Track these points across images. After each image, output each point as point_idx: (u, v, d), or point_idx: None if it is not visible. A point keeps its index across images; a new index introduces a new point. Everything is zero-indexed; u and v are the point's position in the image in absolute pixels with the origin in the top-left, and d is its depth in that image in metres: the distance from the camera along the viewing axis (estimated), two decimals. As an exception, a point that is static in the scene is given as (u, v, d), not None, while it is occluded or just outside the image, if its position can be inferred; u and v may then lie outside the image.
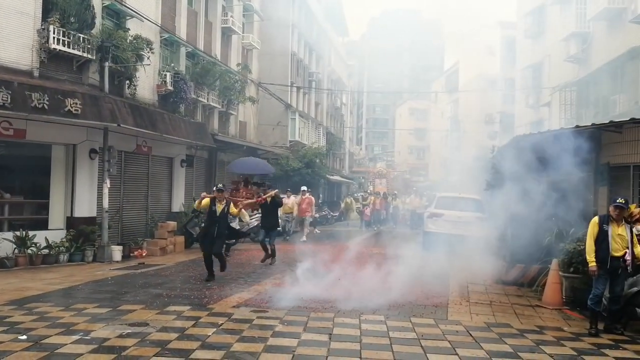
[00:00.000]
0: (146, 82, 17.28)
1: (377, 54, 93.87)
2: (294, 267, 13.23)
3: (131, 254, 15.16)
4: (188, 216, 17.79)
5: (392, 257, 14.54)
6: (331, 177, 40.46)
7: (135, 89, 16.35)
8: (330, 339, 6.76)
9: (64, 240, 13.80)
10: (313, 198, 25.07)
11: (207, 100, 21.48)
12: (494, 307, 9.25)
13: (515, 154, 10.92)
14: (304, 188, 21.43)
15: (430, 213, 17.75)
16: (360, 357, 6.05)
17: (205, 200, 11.11)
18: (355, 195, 40.89)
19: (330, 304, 8.83)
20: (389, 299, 9.16)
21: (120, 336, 6.56)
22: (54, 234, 13.88)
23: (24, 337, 6.46)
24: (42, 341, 6.30)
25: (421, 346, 6.60)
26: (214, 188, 11.43)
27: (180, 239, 16.84)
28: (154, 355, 5.80)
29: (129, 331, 6.81)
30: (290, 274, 12.10)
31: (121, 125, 14.14)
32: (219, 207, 11.08)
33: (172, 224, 16.55)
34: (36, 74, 13.35)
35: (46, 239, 13.45)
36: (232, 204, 11.60)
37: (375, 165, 64.03)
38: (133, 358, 5.71)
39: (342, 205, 33.68)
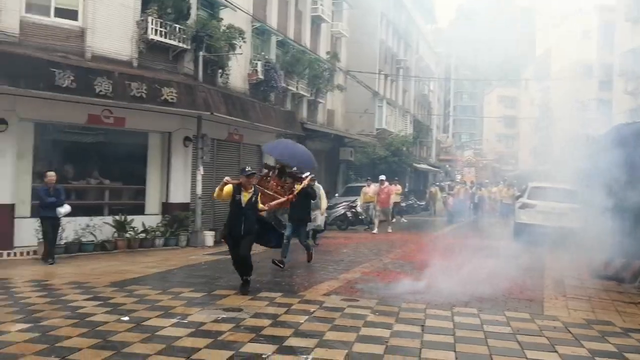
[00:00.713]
0: (238, 71, 17.57)
1: (466, 41, 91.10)
2: (383, 256, 13.06)
3: (222, 240, 15.49)
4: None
5: (481, 248, 14.02)
6: (418, 165, 39.81)
7: (227, 77, 16.68)
8: (422, 330, 6.53)
9: (160, 225, 14.35)
10: (399, 187, 24.72)
11: (297, 89, 21.62)
12: (593, 302, 8.63)
13: (617, 143, 10.17)
14: (382, 177, 20.34)
15: (522, 203, 16.96)
16: (455, 351, 5.79)
17: (228, 188, 8.52)
18: (442, 184, 39.99)
19: (421, 295, 8.58)
20: (481, 292, 8.77)
21: (216, 321, 6.66)
22: (151, 219, 14.46)
23: (126, 318, 6.69)
24: (143, 323, 6.49)
25: (517, 341, 6.23)
26: (243, 172, 8.74)
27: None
28: (249, 341, 5.82)
29: (224, 316, 6.89)
30: (379, 263, 11.92)
31: (214, 113, 14.47)
32: (245, 197, 8.56)
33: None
34: (135, 64, 13.89)
35: (143, 224, 14.03)
36: (260, 194, 9.07)
37: (462, 154, 62.33)
38: (229, 343, 5.75)
39: (427, 194, 32.89)
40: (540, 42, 68.25)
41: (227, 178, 8.57)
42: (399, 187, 24.99)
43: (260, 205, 8.94)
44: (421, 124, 47.95)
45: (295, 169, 11.91)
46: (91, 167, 14.15)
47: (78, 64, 12.30)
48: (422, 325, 6.75)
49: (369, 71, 30.82)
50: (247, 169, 8.77)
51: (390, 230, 19.31)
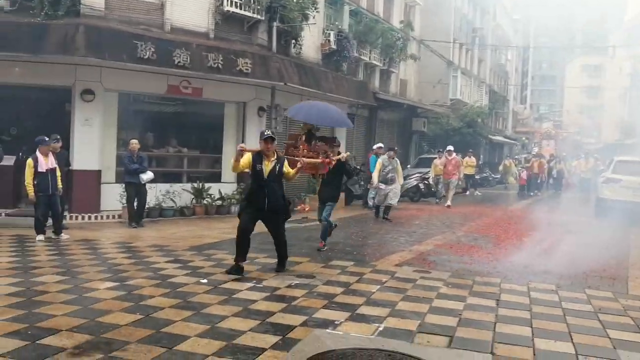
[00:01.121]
0: (311, 41, 17.57)
1: (546, 6, 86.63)
2: (456, 229, 12.88)
3: (295, 208, 15.76)
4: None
5: (560, 224, 13.54)
6: (493, 137, 38.69)
7: (300, 48, 16.72)
8: (497, 305, 6.44)
9: (235, 193, 14.75)
10: (473, 159, 24.15)
11: (369, 59, 21.39)
12: (684, 284, 8.18)
13: None
14: (449, 148, 19.29)
15: (607, 178, 16.17)
16: (532, 327, 5.67)
17: (246, 158, 7.30)
18: (518, 156, 38.69)
19: (496, 269, 8.44)
20: (559, 268, 8.50)
21: (290, 286, 6.83)
22: (226, 186, 14.88)
23: (205, 280, 6.98)
24: (221, 286, 6.75)
25: (599, 320, 6.02)
26: (262, 136, 7.41)
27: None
28: (322, 307, 5.94)
29: (297, 282, 7.06)
30: (452, 236, 11.78)
31: (287, 83, 14.59)
32: (267, 166, 7.28)
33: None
34: (211, 35, 14.16)
35: (219, 191, 14.47)
36: (286, 162, 7.64)
37: (540, 126, 59.95)
38: (302, 308, 5.89)
39: (501, 167, 31.84)
40: (631, 6, 63.93)
41: (241, 145, 7.39)
42: (473, 159, 24.43)
43: (288, 170, 7.48)
44: (497, 94, 46.39)
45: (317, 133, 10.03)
46: (170, 136, 14.68)
47: (158, 36, 12.70)
48: (497, 300, 6.65)
49: (444, 40, 30.01)
50: (265, 132, 7.39)
51: (448, 204, 18.18)
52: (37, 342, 4.61)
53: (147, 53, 12.07)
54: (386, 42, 22.35)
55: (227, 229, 11.77)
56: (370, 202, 16.74)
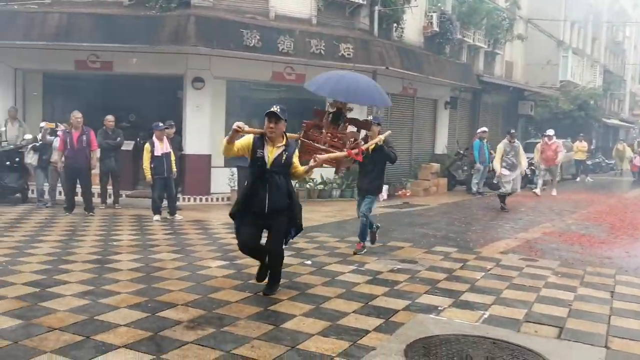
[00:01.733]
0: (413, 24, 17.29)
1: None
2: (565, 216, 12.29)
3: (396, 194, 15.74)
4: (451, 158, 17.75)
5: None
6: (607, 120, 36.26)
7: (402, 31, 16.52)
8: (612, 297, 6.09)
9: (336, 178, 14.90)
10: (584, 144, 22.79)
11: (473, 41, 20.72)
12: None
13: None
14: (549, 132, 17.21)
15: None
16: (652, 322, 5.32)
17: (245, 140, 5.49)
18: (637, 140, 36.00)
19: (610, 259, 7.97)
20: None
21: (392, 271, 6.85)
22: (328, 171, 15.04)
23: (309, 262, 7.17)
24: (324, 268, 6.90)
25: None
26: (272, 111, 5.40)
27: (443, 180, 16.96)
28: (424, 293, 5.91)
29: (399, 267, 7.06)
30: (561, 223, 11.25)
31: (389, 67, 14.47)
32: (271, 153, 5.44)
33: (436, 166, 16.70)
34: (314, 21, 14.33)
35: (321, 176, 14.69)
36: (297, 150, 5.88)
37: (663, 108, 55.39)
38: (405, 293, 5.90)
39: (613, 152, 29.57)
40: None
41: (238, 123, 5.07)
42: (584, 144, 23.06)
43: (298, 167, 5.60)
44: (613, 74, 43.29)
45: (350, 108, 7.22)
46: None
47: (263, 24, 13.06)
48: (612, 292, 6.29)
49: (553, 19, 28.38)
50: (273, 108, 5.35)
51: (554, 193, 16.72)
52: (157, 314, 4.96)
53: (253, 41, 12.46)
54: (491, 22, 21.54)
55: (328, 212, 11.99)
56: (474, 188, 16.34)
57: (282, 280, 6.17)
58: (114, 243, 8.01)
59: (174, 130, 10.98)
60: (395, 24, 16.31)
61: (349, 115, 7.20)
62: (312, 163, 5.66)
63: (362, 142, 7.17)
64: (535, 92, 26.64)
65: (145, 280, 6.05)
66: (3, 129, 12.55)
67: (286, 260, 7.16)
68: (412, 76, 16.20)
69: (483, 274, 6.86)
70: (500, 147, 13.00)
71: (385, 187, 8.58)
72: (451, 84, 18.56)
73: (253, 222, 5.48)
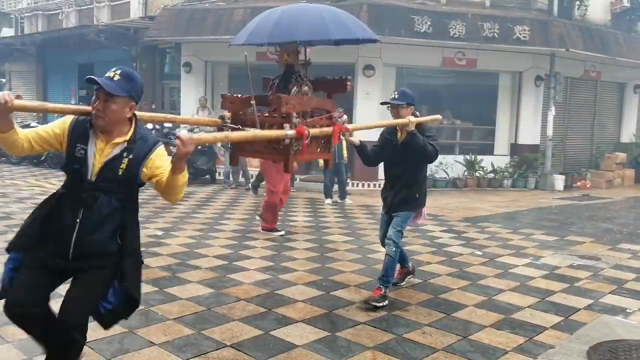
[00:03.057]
0: (598, 1, 15.85)
1: None
2: None
3: (573, 184, 14.70)
4: None
5: None
6: None
7: (585, 9, 15.21)
8: None
9: (508, 166, 14.30)
10: None
11: (672, 15, 18.39)
12: None
13: None
14: None
15: None
16: None
17: (56, 124, 2.90)
18: None
19: None
20: None
21: (571, 267, 6.43)
22: (499, 159, 14.50)
23: (480, 253, 6.99)
24: (496, 259, 6.69)
25: None
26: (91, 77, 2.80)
27: (630, 172, 15.49)
28: (609, 292, 5.47)
29: (580, 263, 6.60)
30: None
31: (569, 49, 13.45)
32: (99, 153, 2.85)
33: (621, 156, 15.29)
34: (487, 3, 13.79)
35: (492, 164, 14.18)
36: (159, 153, 2.93)
37: None
38: (587, 291, 5.51)
39: None
40: None
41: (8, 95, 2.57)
42: None
43: (160, 169, 2.90)
44: None
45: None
46: (443, 108, 14.79)
47: (434, 9, 12.85)
48: None
49: None
50: (110, 72, 2.81)
51: None
52: (330, 293, 5.20)
53: (424, 27, 12.34)
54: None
55: (499, 202, 11.56)
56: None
57: (451, 269, 6.11)
58: (291, 224, 8.51)
59: (345, 117, 11.28)
60: (577, 2, 15.06)
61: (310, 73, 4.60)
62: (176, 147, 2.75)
63: (338, 115, 4.69)
64: None
65: (320, 260, 6.36)
66: (196, 116, 13.89)
67: (456, 249, 7.10)
68: (595, 58, 14.87)
69: (682, 277, 6.16)
70: None
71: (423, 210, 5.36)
72: (643, 65, 16.71)
73: (42, 266, 2.86)
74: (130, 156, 2.85)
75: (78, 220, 2.83)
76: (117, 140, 2.85)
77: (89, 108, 2.84)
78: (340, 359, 3.80)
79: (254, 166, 13.03)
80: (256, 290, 5.19)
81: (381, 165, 5.37)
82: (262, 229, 7.67)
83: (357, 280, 5.64)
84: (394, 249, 4.96)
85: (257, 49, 13.65)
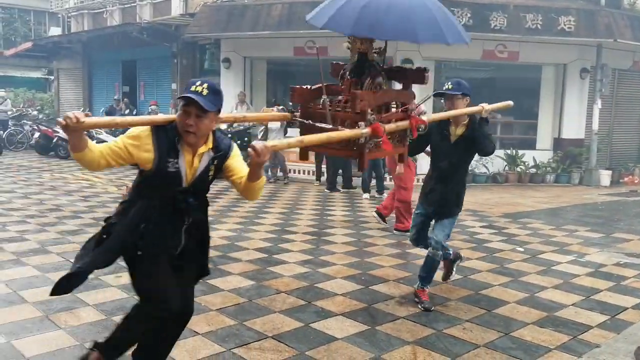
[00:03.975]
0: (648, -11, 15.31)
1: None
2: None
3: (620, 180, 14.27)
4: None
5: None
6: None
7: (636, -2, 14.74)
8: None
9: (551, 160, 13.99)
10: None
11: None
12: None
13: None
14: None
15: None
16: None
17: (133, 140, 2.83)
18: None
19: None
20: None
21: (617, 265, 6.26)
22: (542, 154, 14.19)
23: (521, 249, 6.86)
24: (538, 256, 6.56)
25: None
26: (187, 89, 2.81)
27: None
28: (658, 292, 5.31)
29: (626, 261, 6.42)
30: None
31: (617, 40, 13.02)
32: (189, 164, 2.93)
33: (671, 150, 14.72)
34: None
35: (534, 159, 13.89)
36: (235, 156, 3.07)
37: None
38: (634, 290, 5.35)
39: None
40: None
41: (68, 115, 2.53)
42: None
43: (240, 171, 3.05)
44: None
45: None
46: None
47: (474, 0, 12.62)
48: None
49: None
50: (193, 86, 2.80)
51: None
52: (369, 287, 5.19)
53: (464, 19, 12.14)
54: None
55: (541, 198, 11.33)
56: None
57: (492, 265, 6.03)
58: (329, 218, 8.52)
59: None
60: (628, -10, 14.61)
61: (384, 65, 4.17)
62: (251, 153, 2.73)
63: (421, 111, 4.48)
64: None
65: (358, 255, 6.35)
66: (235, 111, 14.05)
67: (496, 245, 7.01)
68: (646, 48, 14.40)
69: None
70: None
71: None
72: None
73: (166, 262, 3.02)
74: (215, 162, 2.98)
75: (184, 224, 3.00)
76: (202, 150, 2.91)
77: (158, 118, 2.97)
78: (380, 353, 3.80)
79: (291, 160, 13.15)
80: (296, 283, 5.23)
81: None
82: (395, 230, 7.46)
83: (396, 274, 5.62)
84: (441, 253, 4.69)
85: (294, 44, 13.93)
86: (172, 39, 16.51)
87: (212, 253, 6.07)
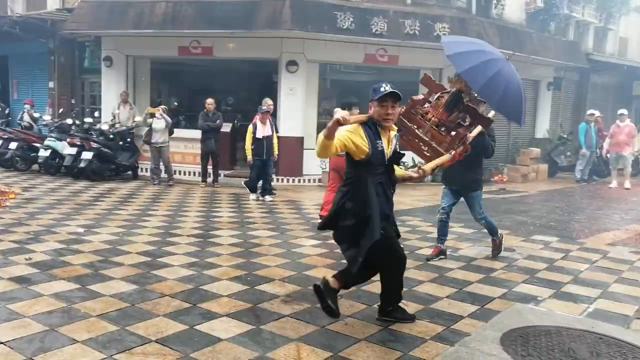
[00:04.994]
0: (515, 1, 16.58)
1: None
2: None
3: (491, 179, 15.27)
4: (553, 143, 16.96)
5: None
6: None
7: (502, 8, 15.89)
8: None
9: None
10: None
11: (582, 16, 19.49)
12: None
13: None
14: (621, 111, 14.87)
15: None
16: None
17: (352, 132, 4.06)
18: None
19: None
20: None
21: (487, 258, 6.70)
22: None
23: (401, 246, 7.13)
24: (415, 252, 6.85)
25: None
26: (375, 92, 4.13)
27: (544, 167, 16.25)
28: (522, 282, 5.74)
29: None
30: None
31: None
32: (388, 145, 4.17)
33: (536, 151, 16.03)
34: (408, 1, 14.10)
35: (412, 159, 14.47)
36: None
37: None
38: (502, 281, 5.76)
39: None
40: None
41: (342, 114, 3.73)
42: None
43: (402, 171, 4.56)
44: None
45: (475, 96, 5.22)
46: (366, 104, 15.04)
47: (357, 5, 13.01)
48: None
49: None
50: (382, 87, 4.03)
51: (627, 187, 14.26)
52: (255, 287, 5.17)
53: (346, 23, 12.47)
54: (605, -6, 20.16)
55: (420, 196, 11.86)
56: (578, 175, 15.48)
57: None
58: (215, 219, 8.38)
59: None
60: (495, 1, 15.70)
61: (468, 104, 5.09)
62: (424, 171, 4.43)
63: (468, 135, 5.05)
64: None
65: (244, 255, 6.31)
66: (117, 111, 13.44)
67: (379, 242, 7.20)
68: (511, 56, 15.49)
69: (588, 265, 6.54)
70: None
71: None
72: (555, 64, 17.60)
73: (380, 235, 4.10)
74: (397, 144, 4.28)
75: (388, 197, 4.26)
76: (391, 132, 4.22)
77: (362, 117, 4.15)
78: (265, 352, 3.80)
79: (176, 162, 12.83)
80: (180, 286, 5.10)
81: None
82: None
83: (282, 274, 5.64)
84: (485, 221, 6.59)
85: (179, 43, 13.56)
86: (49, 34, 15.48)
87: (92, 258, 5.83)
